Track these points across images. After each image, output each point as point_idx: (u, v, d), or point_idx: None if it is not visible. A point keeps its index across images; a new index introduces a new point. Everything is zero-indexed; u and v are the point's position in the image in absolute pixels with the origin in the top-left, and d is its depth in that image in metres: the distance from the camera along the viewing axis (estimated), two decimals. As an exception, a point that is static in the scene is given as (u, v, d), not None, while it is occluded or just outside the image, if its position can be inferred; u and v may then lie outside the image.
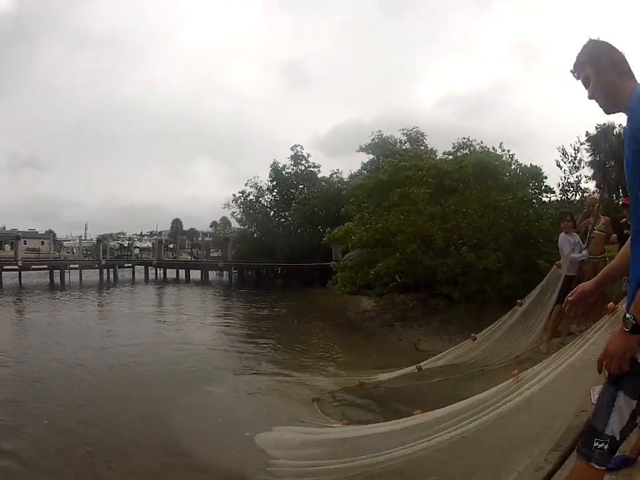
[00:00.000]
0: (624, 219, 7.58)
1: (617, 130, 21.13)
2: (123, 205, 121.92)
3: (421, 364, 5.98)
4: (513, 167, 11.01)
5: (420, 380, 5.89)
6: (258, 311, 16.72)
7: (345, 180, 28.15)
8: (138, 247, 49.22)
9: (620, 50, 1.78)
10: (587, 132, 22.48)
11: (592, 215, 7.33)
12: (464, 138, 11.92)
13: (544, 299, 6.03)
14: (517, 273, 8.84)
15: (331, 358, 9.20)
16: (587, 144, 22.42)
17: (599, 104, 1.81)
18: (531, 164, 11.15)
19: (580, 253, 6.87)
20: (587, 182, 21.07)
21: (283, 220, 30.59)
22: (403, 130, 28.65)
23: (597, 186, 19.82)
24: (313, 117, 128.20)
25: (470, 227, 9.62)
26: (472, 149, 11.65)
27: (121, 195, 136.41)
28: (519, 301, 6.00)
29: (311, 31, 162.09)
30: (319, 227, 26.62)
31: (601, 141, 21.17)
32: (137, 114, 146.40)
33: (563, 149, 16.97)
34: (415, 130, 28.69)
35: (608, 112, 1.82)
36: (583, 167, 22.11)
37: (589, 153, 21.48)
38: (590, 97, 1.81)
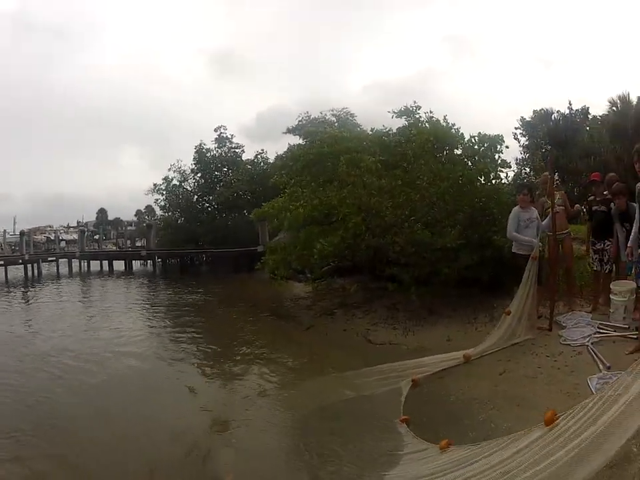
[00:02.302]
0: (592, 196, 7.05)
1: (554, 115, 21.29)
2: (52, 196, 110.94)
3: (469, 352, 5.90)
4: (466, 139, 9.85)
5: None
6: (183, 300, 15.01)
7: (270, 161, 27.36)
8: (64, 240, 45.48)
9: None
10: (522, 117, 22.63)
11: (545, 193, 7.09)
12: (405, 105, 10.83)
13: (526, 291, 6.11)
14: (474, 251, 7.83)
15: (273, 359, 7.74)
16: (521, 129, 22.61)
17: None
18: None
19: (537, 228, 6.57)
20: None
21: (207, 205, 29.35)
22: (332, 110, 27.97)
23: (532, 169, 19.89)
24: (240, 105, 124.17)
25: (423, 202, 8.49)
26: (417, 116, 10.60)
27: (50, 186, 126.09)
28: (506, 309, 6.08)
29: (241, 19, 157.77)
30: (244, 211, 25.74)
31: (537, 126, 21.26)
32: (65, 103, 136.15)
33: (522, 119, 16.34)
34: (344, 111, 28.07)
35: None
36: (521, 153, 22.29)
37: (525, 137, 21.64)
38: None
